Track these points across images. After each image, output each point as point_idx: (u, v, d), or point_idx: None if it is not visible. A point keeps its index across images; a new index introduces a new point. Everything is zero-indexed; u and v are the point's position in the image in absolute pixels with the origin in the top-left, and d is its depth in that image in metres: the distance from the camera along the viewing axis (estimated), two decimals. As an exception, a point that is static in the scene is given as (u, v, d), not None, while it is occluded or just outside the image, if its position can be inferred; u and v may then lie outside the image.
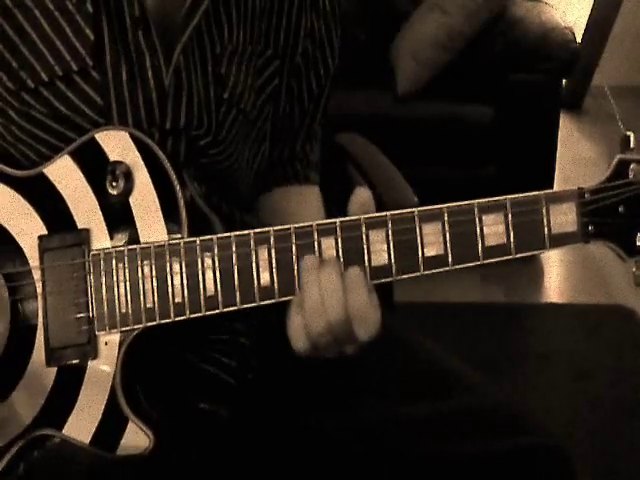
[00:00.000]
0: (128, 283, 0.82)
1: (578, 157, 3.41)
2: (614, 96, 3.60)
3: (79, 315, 0.83)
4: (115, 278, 0.82)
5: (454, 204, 0.82)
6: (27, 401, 0.84)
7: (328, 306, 0.79)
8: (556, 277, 2.83)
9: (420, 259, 0.82)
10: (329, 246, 0.81)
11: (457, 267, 0.82)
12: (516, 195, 0.83)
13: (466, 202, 0.82)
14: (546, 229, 0.82)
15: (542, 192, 0.82)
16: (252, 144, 0.99)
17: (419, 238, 0.81)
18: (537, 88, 2.67)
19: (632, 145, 0.82)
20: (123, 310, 0.82)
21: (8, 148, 0.90)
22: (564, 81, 2.79)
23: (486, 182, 2.67)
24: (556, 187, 2.71)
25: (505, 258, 0.82)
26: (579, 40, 2.72)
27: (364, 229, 0.81)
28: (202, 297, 0.81)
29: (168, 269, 0.81)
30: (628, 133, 0.83)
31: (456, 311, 2.52)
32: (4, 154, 0.90)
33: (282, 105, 1.03)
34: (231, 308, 0.81)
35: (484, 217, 0.82)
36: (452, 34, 2.67)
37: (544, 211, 0.82)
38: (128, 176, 0.82)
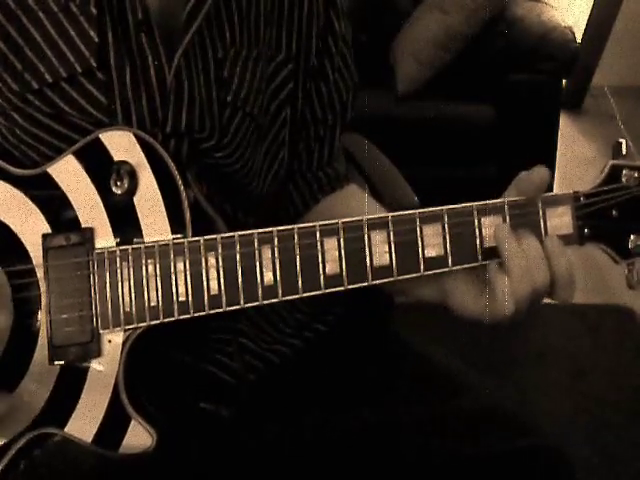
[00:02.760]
0: (132, 282, 0.82)
1: (578, 157, 3.40)
2: (614, 96, 3.59)
3: (82, 313, 0.83)
4: (119, 277, 0.82)
5: (454, 206, 0.83)
6: (29, 399, 0.84)
7: (535, 272, 0.82)
8: (556, 277, 2.83)
9: (420, 260, 0.82)
10: (332, 246, 0.81)
11: (457, 268, 0.83)
12: (513, 198, 0.84)
13: (465, 204, 0.83)
14: (543, 231, 0.84)
15: (539, 195, 0.84)
16: (268, 149, 0.99)
17: (420, 239, 0.82)
18: (537, 88, 2.67)
19: (624, 151, 0.84)
20: (127, 309, 0.82)
21: (11, 150, 0.90)
22: (564, 81, 2.79)
23: (486, 182, 2.67)
24: (556, 187, 2.70)
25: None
26: (579, 40, 2.72)
27: (366, 230, 0.82)
28: (206, 296, 0.81)
29: (172, 268, 0.81)
30: (620, 140, 0.85)
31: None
32: (7, 154, 0.90)
33: (301, 109, 1.03)
34: (235, 307, 0.82)
35: (483, 219, 0.83)
36: (452, 34, 2.67)
37: (540, 213, 0.84)
38: (132, 176, 0.82)
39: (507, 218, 0.83)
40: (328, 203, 1.09)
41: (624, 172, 0.84)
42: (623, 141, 0.85)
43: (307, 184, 1.08)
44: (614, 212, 0.84)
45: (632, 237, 0.84)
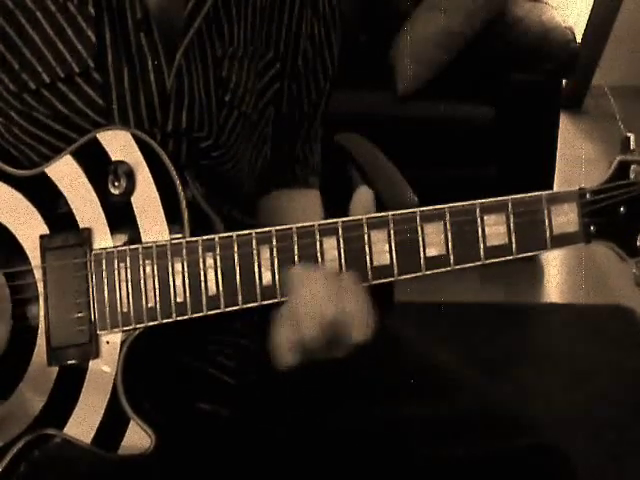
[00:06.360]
0: (130, 283, 0.81)
1: (578, 157, 3.40)
2: (614, 96, 3.60)
3: (80, 315, 0.83)
4: (117, 278, 0.82)
5: (456, 204, 0.82)
6: (29, 401, 0.84)
7: (323, 310, 0.79)
8: (556, 277, 2.83)
9: (422, 259, 0.82)
10: (331, 246, 0.81)
11: (458, 267, 0.83)
12: (517, 195, 0.83)
13: (468, 202, 0.82)
14: (547, 229, 0.82)
15: (543, 192, 0.83)
16: (254, 147, 0.99)
17: (421, 238, 0.81)
18: (537, 88, 2.67)
19: (632, 146, 0.83)
20: (125, 310, 0.82)
21: (9, 148, 0.90)
22: (564, 81, 2.79)
23: (486, 182, 2.67)
24: (556, 187, 2.72)
25: (506, 258, 0.82)
26: (579, 40, 2.72)
27: (366, 229, 0.81)
28: (204, 297, 0.81)
29: (170, 269, 0.81)
30: (629, 134, 0.83)
31: (456, 311, 2.51)
32: (5, 154, 0.90)
33: (283, 108, 1.03)
34: (233, 308, 0.81)
35: (486, 217, 0.82)
36: (452, 34, 2.66)
37: (545, 211, 0.82)
38: (130, 176, 0.82)
39: (510, 216, 0.82)
40: (279, 198, 1.08)
41: (632, 168, 0.82)
42: (632, 136, 0.83)
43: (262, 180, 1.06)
44: (622, 209, 0.82)
45: None
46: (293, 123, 1.06)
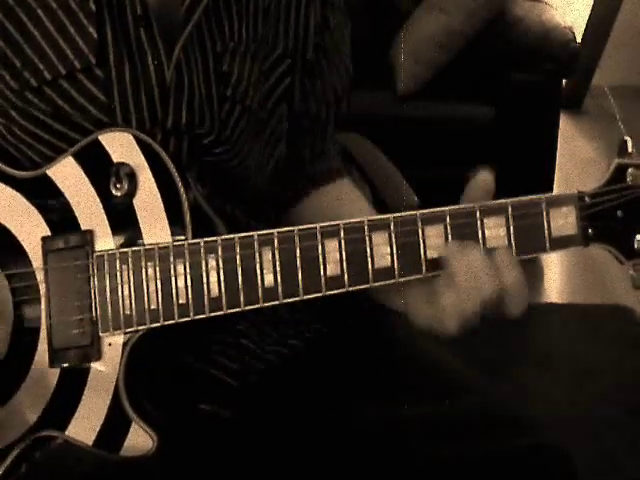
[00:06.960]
0: (132, 284, 0.81)
1: (578, 157, 3.40)
2: (614, 96, 3.59)
3: (82, 316, 0.83)
4: (119, 280, 0.82)
5: (456, 207, 0.83)
6: (30, 402, 0.84)
7: (482, 285, 0.81)
8: (556, 277, 2.83)
9: (422, 261, 0.82)
10: (332, 248, 0.81)
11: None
12: (517, 198, 0.83)
13: (468, 205, 0.83)
14: (546, 232, 0.83)
15: (542, 195, 0.83)
16: (265, 145, 0.99)
17: (421, 240, 0.82)
18: (537, 88, 2.67)
19: (630, 150, 0.83)
20: (127, 311, 0.82)
21: (10, 149, 0.90)
22: (564, 81, 2.79)
23: (486, 182, 2.67)
24: (556, 187, 2.72)
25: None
26: (579, 40, 2.72)
27: (367, 231, 0.81)
28: (206, 299, 0.81)
29: (172, 271, 0.81)
30: (626, 138, 0.84)
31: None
32: (6, 155, 0.90)
33: (297, 104, 1.02)
34: (235, 310, 0.81)
35: (485, 220, 0.82)
36: (452, 34, 2.67)
37: (544, 214, 0.83)
38: (132, 178, 0.82)
39: (510, 218, 0.82)
40: (318, 196, 1.08)
41: (629, 171, 0.83)
42: (629, 139, 0.84)
43: (299, 178, 1.07)
44: (619, 212, 0.83)
45: (638, 237, 0.83)
46: (320, 117, 1.06)
